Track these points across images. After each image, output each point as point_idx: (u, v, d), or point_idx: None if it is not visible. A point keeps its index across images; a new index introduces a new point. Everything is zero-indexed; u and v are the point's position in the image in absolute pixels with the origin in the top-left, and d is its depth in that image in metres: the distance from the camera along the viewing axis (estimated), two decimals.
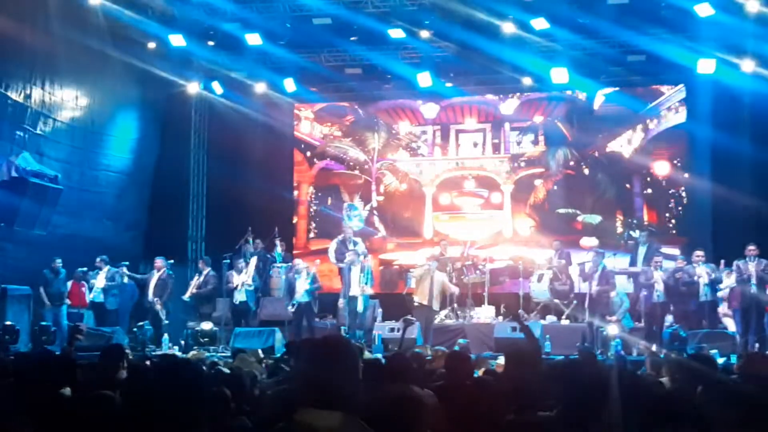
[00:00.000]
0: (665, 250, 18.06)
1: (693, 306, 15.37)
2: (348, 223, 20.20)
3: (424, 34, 18.18)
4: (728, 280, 15.18)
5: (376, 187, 21.39)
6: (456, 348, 12.62)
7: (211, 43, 18.86)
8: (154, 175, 19.55)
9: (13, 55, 15.57)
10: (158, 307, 17.14)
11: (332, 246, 18.69)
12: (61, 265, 16.49)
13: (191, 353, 12.92)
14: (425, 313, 16.35)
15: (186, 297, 17.80)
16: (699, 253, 15.53)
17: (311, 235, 21.58)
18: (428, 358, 9.02)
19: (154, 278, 17.39)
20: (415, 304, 16.60)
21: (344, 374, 3.43)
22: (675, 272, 15.68)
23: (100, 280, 17.31)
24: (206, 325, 17.01)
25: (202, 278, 17.87)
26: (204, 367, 7.99)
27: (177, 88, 19.96)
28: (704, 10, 16.30)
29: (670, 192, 19.60)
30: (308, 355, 3.49)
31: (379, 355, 11.22)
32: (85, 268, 17.16)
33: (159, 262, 17.47)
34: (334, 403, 3.37)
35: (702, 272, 15.12)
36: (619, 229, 19.77)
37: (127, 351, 8.70)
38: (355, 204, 21.14)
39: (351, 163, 21.63)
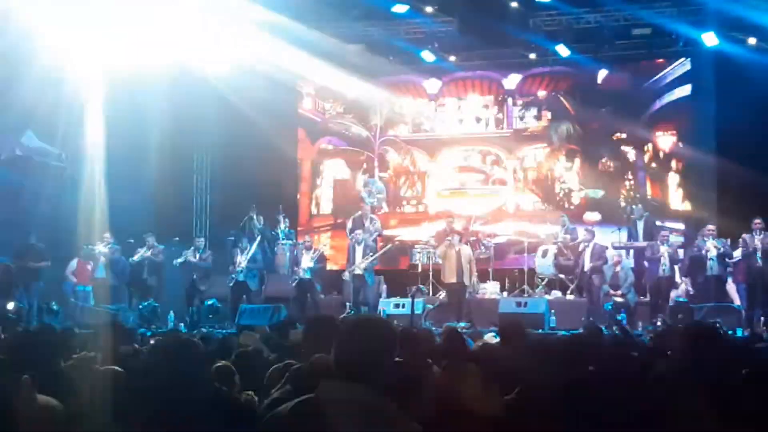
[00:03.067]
0: (669, 224, 18.08)
1: (700, 279, 15.39)
2: (368, 199, 19.96)
3: (428, 9, 18.06)
4: (735, 253, 15.21)
5: (379, 163, 21.37)
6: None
7: None
8: (159, 150, 19.47)
9: None
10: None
11: (349, 222, 18.65)
12: (34, 239, 16.30)
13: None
14: (457, 290, 16.38)
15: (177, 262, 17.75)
16: (711, 227, 15.51)
17: (314, 211, 21.59)
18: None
19: (148, 255, 17.45)
20: (445, 283, 16.63)
21: (369, 349, 3.46)
22: (682, 246, 15.74)
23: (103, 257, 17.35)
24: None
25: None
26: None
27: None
28: None
29: (673, 166, 19.57)
30: (354, 332, 3.54)
31: None
32: (91, 246, 17.14)
33: (150, 241, 17.53)
34: (358, 376, 3.40)
35: (710, 246, 15.12)
36: (622, 204, 19.74)
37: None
38: (375, 180, 21.00)
39: (353, 140, 21.59)
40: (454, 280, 16.37)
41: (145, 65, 16.84)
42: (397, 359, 3.73)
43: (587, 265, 16.06)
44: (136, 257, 17.59)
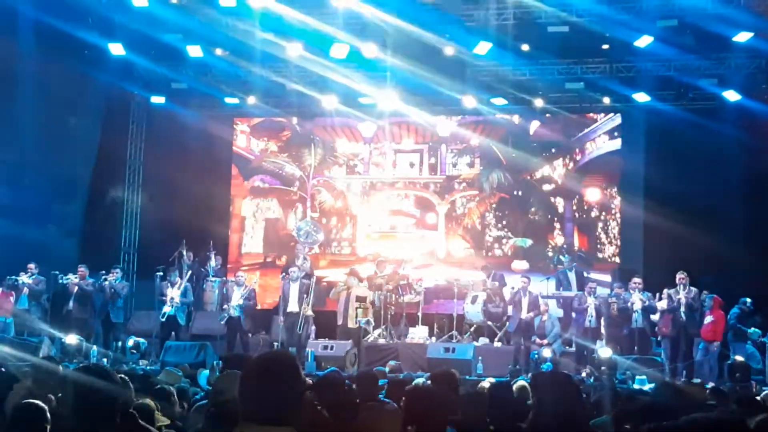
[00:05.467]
0: (595, 275, 18.41)
1: (625, 331, 15.67)
2: (302, 240, 19.83)
3: (368, 51, 18.19)
4: (660, 304, 15.50)
5: (311, 203, 21.39)
6: (383, 369, 12.69)
7: (152, 52, 18.66)
8: (90, 182, 19.26)
9: None
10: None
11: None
12: None
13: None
14: (345, 333, 16.59)
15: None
16: (637, 280, 15.81)
17: (244, 249, 21.48)
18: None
19: (75, 289, 17.10)
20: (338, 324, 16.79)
21: (289, 389, 3.43)
22: (609, 298, 16.00)
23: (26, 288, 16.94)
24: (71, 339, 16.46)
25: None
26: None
27: (116, 98, 19.72)
28: (644, 41, 16.73)
29: (601, 218, 19.97)
30: (255, 370, 3.48)
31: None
32: (14, 277, 16.75)
33: (83, 271, 17.20)
34: (280, 419, 3.37)
35: (636, 299, 15.44)
36: (550, 254, 20.05)
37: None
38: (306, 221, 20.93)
39: (286, 179, 21.59)
40: (340, 321, 16.74)
41: None
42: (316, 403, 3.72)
43: (524, 314, 16.23)
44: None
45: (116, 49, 18.05)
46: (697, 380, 12.82)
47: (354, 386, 6.91)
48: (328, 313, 18.51)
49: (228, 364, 10.46)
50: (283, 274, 17.75)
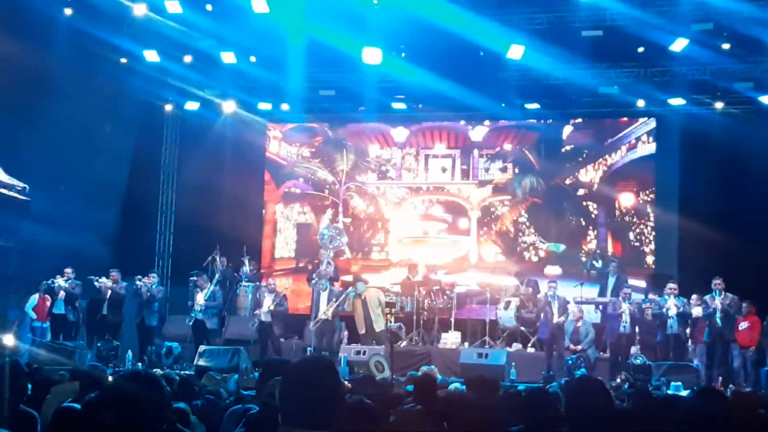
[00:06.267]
0: (630, 281, 18.25)
1: (660, 337, 15.55)
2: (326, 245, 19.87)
3: (400, 55, 18.22)
4: (694, 310, 15.39)
5: (344, 208, 21.42)
6: (416, 373, 12.70)
7: (187, 59, 18.82)
8: (126, 189, 19.45)
9: None
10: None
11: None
12: None
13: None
14: (375, 339, 16.52)
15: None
16: (672, 286, 15.69)
17: (278, 254, 21.56)
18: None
19: (109, 293, 17.24)
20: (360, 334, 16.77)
21: (329, 393, 3.47)
22: (643, 304, 15.90)
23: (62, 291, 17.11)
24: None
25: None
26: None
27: (150, 104, 19.91)
28: (679, 45, 16.60)
29: (635, 223, 19.83)
30: (295, 375, 3.52)
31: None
32: (51, 280, 16.93)
33: (114, 275, 17.35)
34: (319, 422, 3.39)
35: (671, 305, 15.32)
36: (583, 259, 19.94)
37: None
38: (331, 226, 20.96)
39: (319, 184, 21.65)
40: (362, 331, 16.59)
41: None
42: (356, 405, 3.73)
43: (555, 318, 16.17)
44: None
45: (151, 56, 18.22)
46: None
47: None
48: None
49: (267, 369, 10.51)
50: (312, 279, 17.81)
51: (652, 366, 14.82)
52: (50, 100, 17.34)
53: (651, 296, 16.12)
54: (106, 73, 17.99)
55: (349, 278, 19.56)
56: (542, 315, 16.56)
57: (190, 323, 17.43)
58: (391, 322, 16.94)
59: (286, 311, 17.79)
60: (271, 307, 17.14)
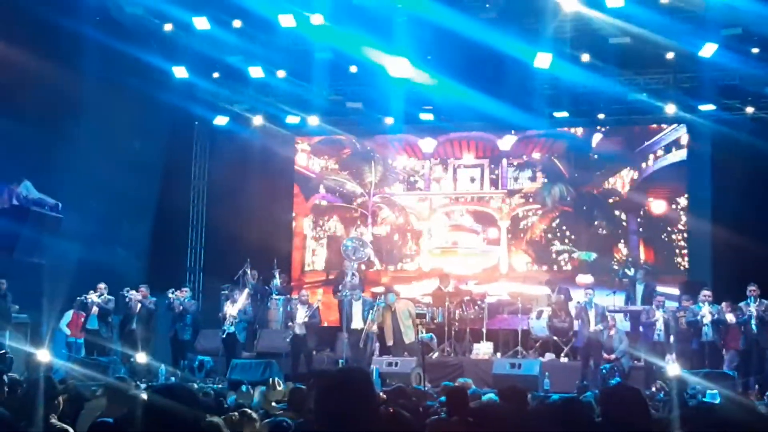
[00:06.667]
0: (662, 289, 18.10)
1: (695, 345, 15.40)
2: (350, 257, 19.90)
3: (426, 66, 18.21)
4: (727, 317, 15.23)
5: (372, 220, 21.43)
6: (450, 384, 12.65)
7: (215, 75, 18.96)
8: (157, 204, 19.59)
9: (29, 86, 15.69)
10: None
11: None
12: (5, 286, 15.82)
13: None
14: (405, 350, 16.45)
15: None
16: (706, 293, 15.48)
17: (307, 267, 21.60)
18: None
19: (139, 306, 17.33)
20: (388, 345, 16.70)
21: (364, 404, 3.50)
22: (677, 311, 15.76)
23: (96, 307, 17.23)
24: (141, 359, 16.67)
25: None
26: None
27: (180, 120, 20.06)
28: (708, 50, 16.47)
29: (668, 230, 19.69)
30: (331, 386, 3.54)
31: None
32: (83, 297, 17.05)
33: (144, 290, 17.45)
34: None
35: (706, 312, 15.15)
36: (615, 267, 19.83)
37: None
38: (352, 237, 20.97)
39: (347, 196, 21.68)
40: (391, 342, 16.52)
41: None
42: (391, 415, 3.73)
43: (591, 327, 16.08)
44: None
45: (180, 72, 18.38)
46: None
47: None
48: None
49: (304, 381, 10.53)
50: (338, 290, 17.81)
51: (686, 374, 14.67)
52: (81, 117, 17.49)
53: (685, 303, 15.96)
54: (136, 90, 18.14)
55: (379, 289, 19.60)
56: (578, 323, 16.45)
57: (223, 336, 17.48)
58: (422, 334, 16.87)
59: (319, 323, 17.79)
60: (305, 320, 17.15)
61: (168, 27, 17.31)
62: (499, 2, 16.37)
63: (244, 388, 12.98)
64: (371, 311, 16.88)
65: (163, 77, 18.60)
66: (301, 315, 17.19)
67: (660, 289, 17.87)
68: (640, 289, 17.31)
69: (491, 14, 16.55)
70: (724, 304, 15.30)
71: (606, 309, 16.78)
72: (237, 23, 17.33)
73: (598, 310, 16.33)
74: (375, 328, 16.82)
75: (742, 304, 14.97)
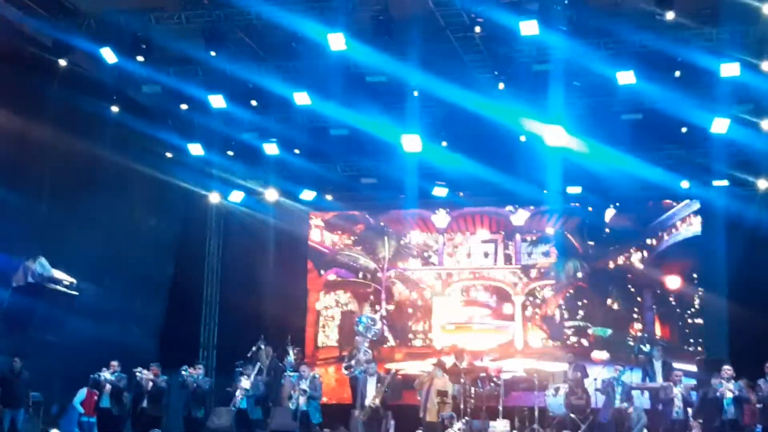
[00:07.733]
0: (679, 365, 17.91)
1: (716, 423, 15.12)
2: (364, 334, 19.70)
3: (441, 142, 18.31)
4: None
5: (386, 295, 21.37)
6: None
7: (230, 153, 19.12)
8: (171, 282, 19.61)
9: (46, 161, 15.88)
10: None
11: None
12: (20, 365, 15.38)
13: None
14: (428, 427, 16.13)
15: None
16: (728, 369, 15.22)
17: (320, 343, 21.47)
18: None
19: (150, 385, 17.17)
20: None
21: None
22: (697, 388, 15.57)
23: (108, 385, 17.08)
24: None
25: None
26: None
27: (195, 196, 20.18)
28: (720, 126, 16.51)
29: (683, 306, 19.56)
30: None
31: None
32: (96, 375, 16.92)
33: (155, 369, 17.31)
34: None
35: (727, 389, 14.90)
36: (631, 343, 19.66)
37: None
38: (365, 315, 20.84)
39: (361, 272, 21.66)
40: (422, 414, 16.22)
41: None
42: None
43: (618, 403, 15.87)
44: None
45: (195, 149, 18.54)
46: None
47: None
48: (405, 407, 18.25)
49: None
50: (352, 367, 17.59)
51: None
52: (97, 193, 17.61)
53: (713, 381, 15.58)
54: (152, 166, 18.30)
55: (391, 365, 19.45)
56: (603, 399, 16.24)
57: (234, 408, 17.24)
58: (444, 412, 16.60)
59: (317, 399, 17.39)
60: (305, 387, 16.72)
61: (184, 106, 17.48)
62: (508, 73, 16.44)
63: None
64: (380, 386, 16.56)
65: (178, 154, 18.77)
66: (304, 387, 16.83)
67: (678, 365, 17.70)
68: (658, 365, 17.07)
69: (503, 92, 16.63)
70: (741, 381, 15.09)
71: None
72: (254, 102, 17.45)
73: (625, 387, 16.14)
74: (378, 403, 16.39)
75: (760, 381, 14.75)
